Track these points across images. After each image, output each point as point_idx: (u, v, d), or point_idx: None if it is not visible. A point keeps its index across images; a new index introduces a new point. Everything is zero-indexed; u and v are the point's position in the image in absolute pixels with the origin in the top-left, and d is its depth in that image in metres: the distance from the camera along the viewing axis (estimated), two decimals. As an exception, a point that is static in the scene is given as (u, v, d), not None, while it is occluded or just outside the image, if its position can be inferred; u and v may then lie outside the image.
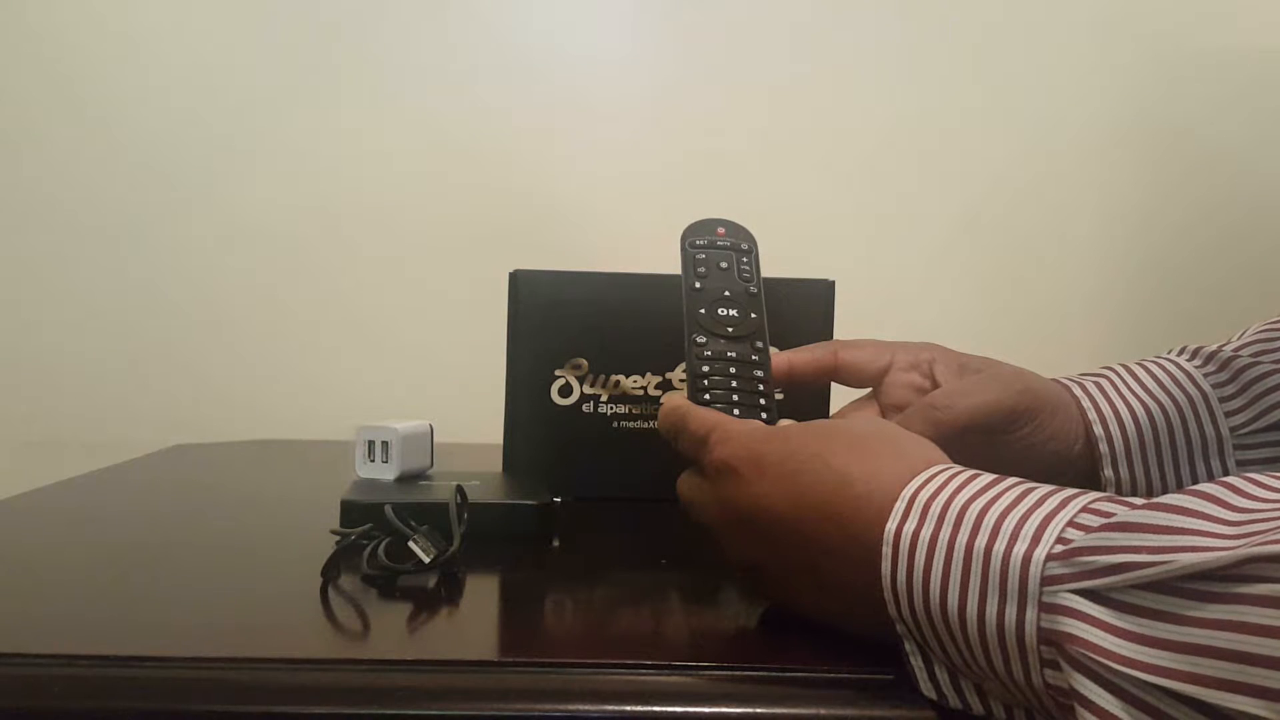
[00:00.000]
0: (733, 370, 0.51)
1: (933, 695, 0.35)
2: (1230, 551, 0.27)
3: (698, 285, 0.54)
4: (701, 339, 0.52)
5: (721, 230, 0.57)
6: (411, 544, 0.48)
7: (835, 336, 0.67)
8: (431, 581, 0.48)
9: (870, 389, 0.59)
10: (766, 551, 0.41)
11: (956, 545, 0.33)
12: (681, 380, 0.67)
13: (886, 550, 0.35)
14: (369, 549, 0.47)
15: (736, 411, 0.49)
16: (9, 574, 0.49)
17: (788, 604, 0.42)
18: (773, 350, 0.54)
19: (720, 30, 1.07)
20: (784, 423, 0.47)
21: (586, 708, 0.35)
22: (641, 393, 0.68)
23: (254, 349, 1.04)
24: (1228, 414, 0.55)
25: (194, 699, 0.35)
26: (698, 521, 0.45)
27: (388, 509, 0.49)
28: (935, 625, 0.34)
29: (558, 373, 0.68)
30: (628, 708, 0.35)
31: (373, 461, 0.63)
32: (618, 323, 0.68)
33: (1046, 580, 0.30)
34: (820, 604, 0.40)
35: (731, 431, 0.44)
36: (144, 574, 0.50)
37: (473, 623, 0.45)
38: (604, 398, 0.68)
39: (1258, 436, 0.55)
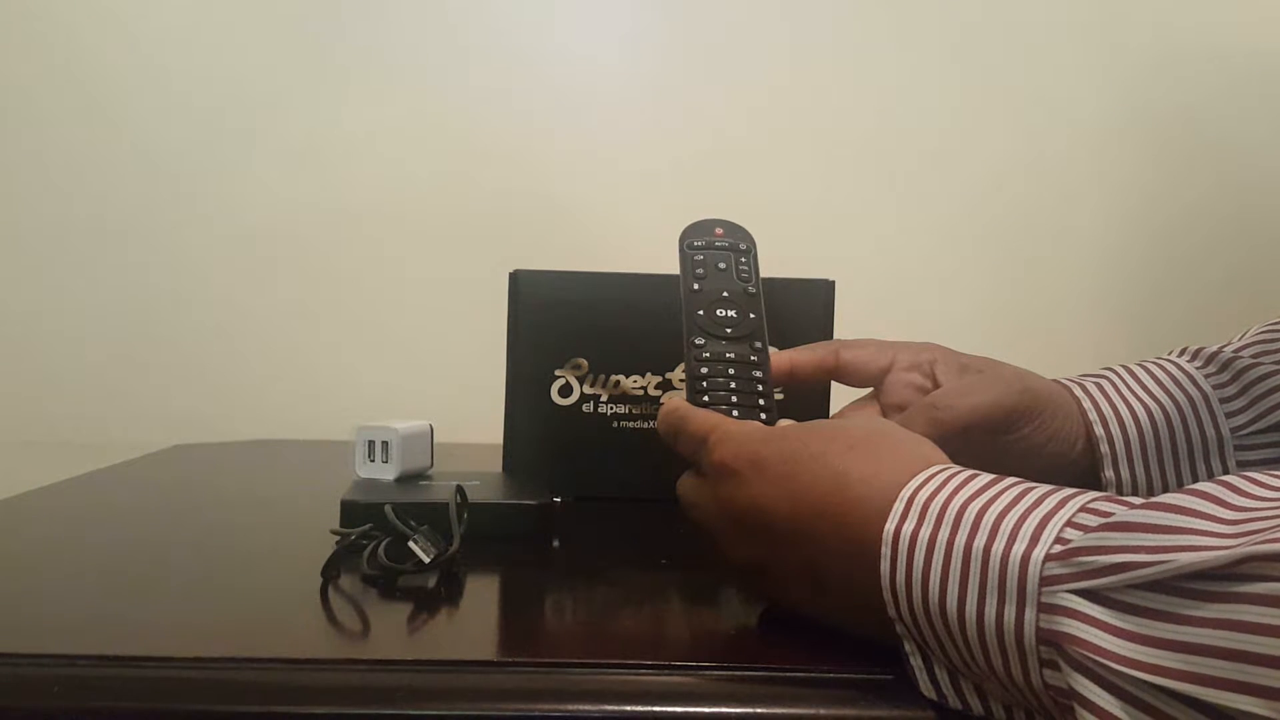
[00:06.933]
0: (731, 371, 0.51)
1: (933, 695, 0.35)
2: (1228, 550, 0.27)
3: (696, 286, 0.54)
4: (700, 340, 0.52)
5: (720, 230, 0.57)
6: (411, 544, 0.48)
7: (835, 336, 0.67)
8: (431, 581, 0.47)
9: (871, 389, 0.59)
10: (766, 552, 0.41)
11: (955, 545, 0.33)
12: (681, 380, 0.67)
13: (885, 550, 0.35)
14: (369, 549, 0.47)
15: (735, 413, 0.49)
16: (9, 574, 0.49)
17: (787, 604, 0.42)
18: (774, 350, 0.54)
19: (720, 30, 1.07)
20: (784, 423, 0.47)
21: (586, 708, 0.35)
22: (641, 393, 0.68)
23: (254, 349, 1.04)
24: (1228, 415, 0.55)
25: (194, 699, 0.35)
26: (697, 522, 0.45)
27: (388, 509, 0.49)
28: (934, 625, 0.34)
29: (558, 373, 0.68)
30: (628, 708, 0.35)
31: (373, 461, 0.63)
32: (618, 323, 0.68)
33: (1045, 580, 0.30)
34: (819, 604, 0.39)
35: (731, 432, 0.44)
36: (144, 574, 0.50)
37: (473, 623, 0.45)
38: (604, 398, 0.68)
39: (1258, 437, 0.55)
